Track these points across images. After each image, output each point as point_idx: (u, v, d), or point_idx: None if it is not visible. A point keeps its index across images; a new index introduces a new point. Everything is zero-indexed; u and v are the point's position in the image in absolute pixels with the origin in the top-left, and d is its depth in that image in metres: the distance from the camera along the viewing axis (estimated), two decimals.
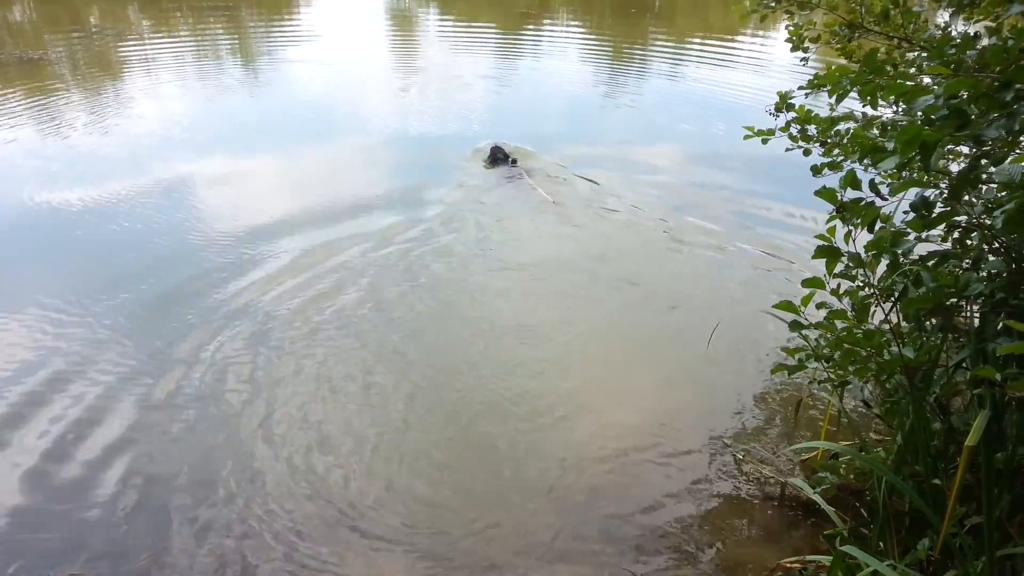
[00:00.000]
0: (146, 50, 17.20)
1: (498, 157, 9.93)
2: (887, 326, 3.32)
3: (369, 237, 7.58)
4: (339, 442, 4.81)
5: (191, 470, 4.56)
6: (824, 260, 3.00)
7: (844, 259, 3.07)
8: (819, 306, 3.44)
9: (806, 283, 3.10)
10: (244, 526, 4.17)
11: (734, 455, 4.75)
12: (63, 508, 4.29)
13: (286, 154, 10.30)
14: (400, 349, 5.79)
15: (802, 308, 3.21)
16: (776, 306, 3.28)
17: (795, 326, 3.23)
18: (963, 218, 3.02)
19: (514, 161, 9.95)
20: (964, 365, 3.28)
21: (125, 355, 5.62)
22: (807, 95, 4.00)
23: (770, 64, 16.93)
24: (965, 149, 3.20)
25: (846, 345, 3.30)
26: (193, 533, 4.13)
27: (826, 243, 2.97)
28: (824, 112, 3.92)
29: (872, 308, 3.25)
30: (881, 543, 3.39)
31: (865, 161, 3.49)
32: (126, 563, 3.94)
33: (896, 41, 4.13)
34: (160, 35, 19.55)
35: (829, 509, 3.68)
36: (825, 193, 2.95)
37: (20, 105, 12.01)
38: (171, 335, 5.86)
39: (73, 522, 4.19)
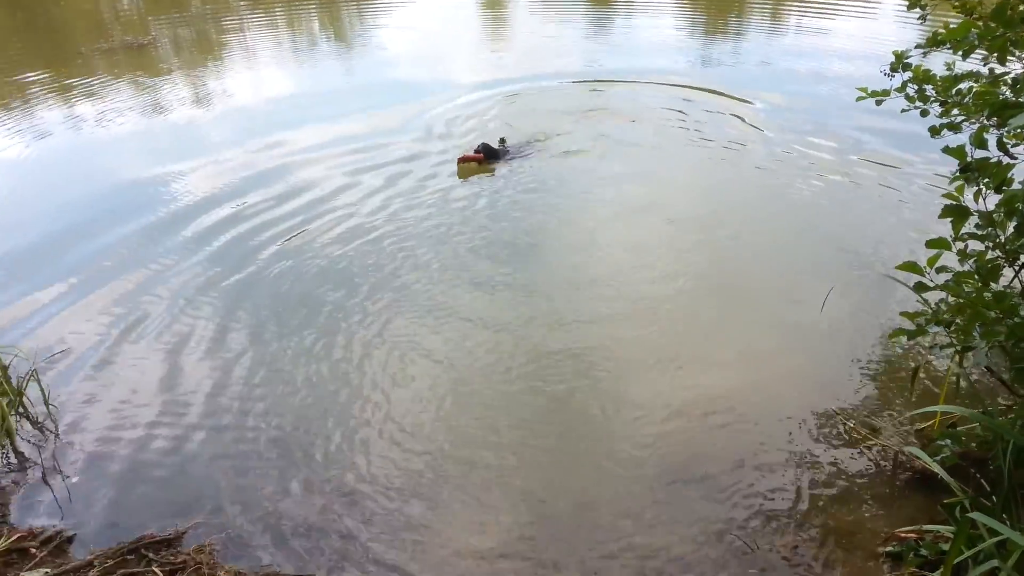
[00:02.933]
0: (244, 27, 17.78)
1: (493, 152, 8.86)
2: (1017, 288, 3.19)
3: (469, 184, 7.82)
4: (439, 398, 4.96)
5: (304, 424, 4.80)
6: (950, 220, 2.91)
7: (972, 219, 2.96)
8: (940, 270, 3.33)
9: (931, 244, 3.00)
10: (350, 476, 4.37)
11: (845, 423, 4.65)
12: (181, 460, 4.59)
13: (385, 113, 10.63)
14: (499, 288, 6.01)
15: (927, 269, 3.11)
16: (899, 267, 3.19)
17: (920, 287, 3.14)
18: None
19: (502, 140, 9.23)
20: None
21: (253, 316, 5.94)
22: (924, 54, 3.85)
23: (877, 13, 16.30)
24: None
25: (973, 308, 3.18)
26: (302, 481, 4.38)
27: (954, 202, 2.87)
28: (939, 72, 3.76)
29: (1001, 270, 3.12)
30: (1005, 515, 3.28)
31: (988, 121, 3.35)
32: (247, 511, 4.20)
33: None
34: (257, 13, 20.16)
35: (949, 478, 3.57)
36: (954, 151, 2.85)
37: (128, 87, 12.63)
38: (290, 298, 6.15)
39: (193, 474, 4.48)
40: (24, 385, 4.90)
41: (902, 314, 3.58)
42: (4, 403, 4.70)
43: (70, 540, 3.98)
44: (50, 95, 12.24)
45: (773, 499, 4.15)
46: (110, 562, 3.69)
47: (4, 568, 3.69)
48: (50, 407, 4.93)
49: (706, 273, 6.40)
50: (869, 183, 8.05)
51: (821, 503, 4.12)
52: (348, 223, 7.44)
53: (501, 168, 8.71)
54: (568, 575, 3.77)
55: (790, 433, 4.63)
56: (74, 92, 12.39)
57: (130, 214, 7.80)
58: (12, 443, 4.68)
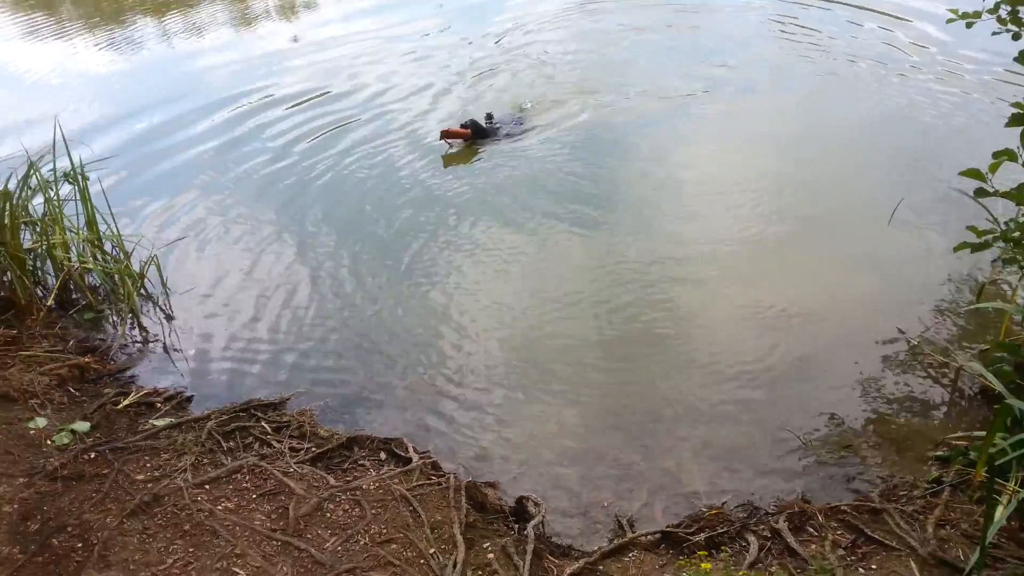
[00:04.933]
0: None
1: (481, 129, 7.62)
2: None
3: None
4: (522, 309, 5.31)
5: (395, 318, 5.25)
6: (1020, 129, 2.99)
7: None
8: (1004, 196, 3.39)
9: (997, 155, 3.09)
10: (436, 367, 4.79)
11: (908, 340, 4.77)
12: (283, 341, 5.11)
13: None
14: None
15: (989, 175, 3.21)
16: (963, 173, 3.29)
17: (980, 193, 3.24)
18: None
19: (489, 116, 7.96)
20: None
21: (347, 220, 6.40)
22: None
23: None
24: None
25: None
26: (391, 366, 4.85)
27: (1021, 111, 2.96)
28: None
29: None
30: None
31: None
32: (341, 387, 4.68)
33: None
34: None
35: (1003, 389, 3.70)
36: None
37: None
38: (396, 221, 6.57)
39: (294, 353, 5.00)
40: (145, 269, 5.45)
41: (968, 228, 3.68)
42: (129, 283, 5.27)
43: (189, 399, 4.51)
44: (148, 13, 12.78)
45: (834, 409, 4.33)
46: (225, 416, 4.19)
47: (136, 416, 4.24)
48: (167, 289, 5.48)
49: (786, 192, 6.49)
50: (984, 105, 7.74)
51: (879, 414, 4.30)
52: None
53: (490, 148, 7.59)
54: (636, 459, 4.11)
55: (856, 349, 4.76)
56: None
57: (238, 119, 8.33)
58: (136, 319, 5.24)
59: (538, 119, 8.08)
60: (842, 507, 3.54)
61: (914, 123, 7.43)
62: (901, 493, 3.62)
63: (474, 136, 7.51)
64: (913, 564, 3.15)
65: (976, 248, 3.58)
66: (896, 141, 7.14)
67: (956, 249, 3.72)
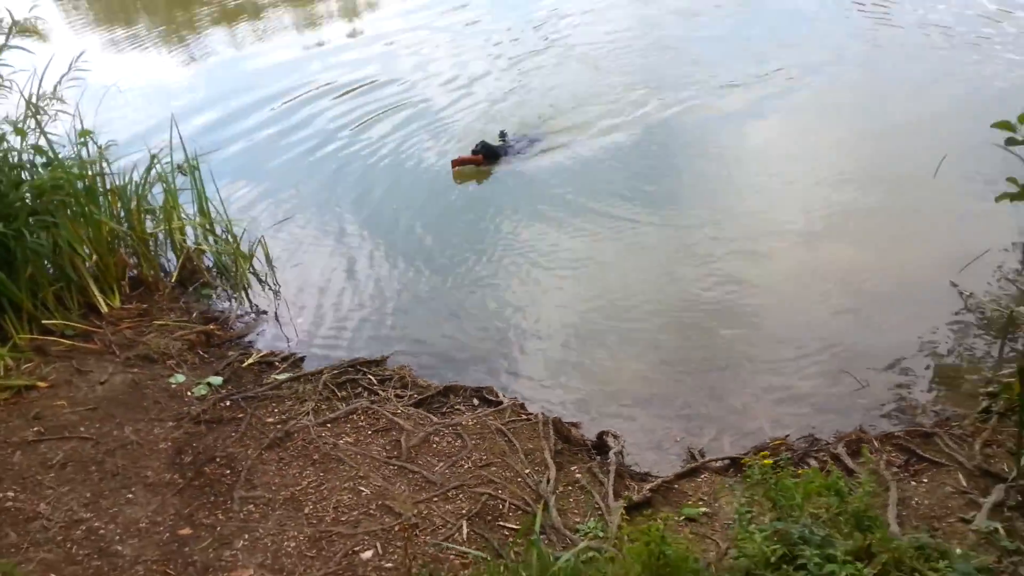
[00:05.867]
0: None
1: (493, 151, 7.43)
2: None
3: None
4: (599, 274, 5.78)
5: (479, 285, 5.78)
6: None
7: None
8: None
9: None
10: (516, 327, 5.28)
11: (960, 290, 5.05)
12: (380, 309, 5.69)
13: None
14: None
15: (1018, 125, 3.50)
16: (994, 125, 3.60)
17: (1011, 142, 3.54)
18: None
19: (502, 135, 7.79)
20: None
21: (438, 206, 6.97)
22: None
23: None
24: None
25: None
26: (478, 326, 5.37)
27: None
28: None
29: None
30: None
31: None
32: (435, 345, 5.22)
33: None
34: None
35: None
36: None
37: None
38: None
39: (390, 319, 5.57)
40: (253, 249, 6.07)
41: (1008, 179, 3.97)
42: (241, 262, 5.91)
43: (301, 359, 5.09)
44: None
45: (891, 354, 4.65)
46: (336, 371, 4.75)
47: (259, 373, 4.84)
48: (272, 266, 6.10)
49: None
50: None
51: (933, 357, 4.62)
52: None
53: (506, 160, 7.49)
54: (704, 402, 4.53)
55: (912, 300, 5.09)
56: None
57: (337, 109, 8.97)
58: (247, 294, 5.87)
59: (594, 119, 8.05)
60: (896, 433, 3.90)
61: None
62: (952, 423, 3.96)
63: (486, 160, 7.33)
64: (961, 476, 3.50)
65: (1015, 198, 3.87)
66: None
67: (998, 199, 4.01)
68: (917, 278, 5.28)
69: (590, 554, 2.90)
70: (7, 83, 5.15)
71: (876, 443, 3.86)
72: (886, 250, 5.55)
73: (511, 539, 3.30)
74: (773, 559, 2.47)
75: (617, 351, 5.00)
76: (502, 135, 7.80)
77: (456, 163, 7.31)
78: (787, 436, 4.13)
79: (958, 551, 2.54)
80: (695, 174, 6.95)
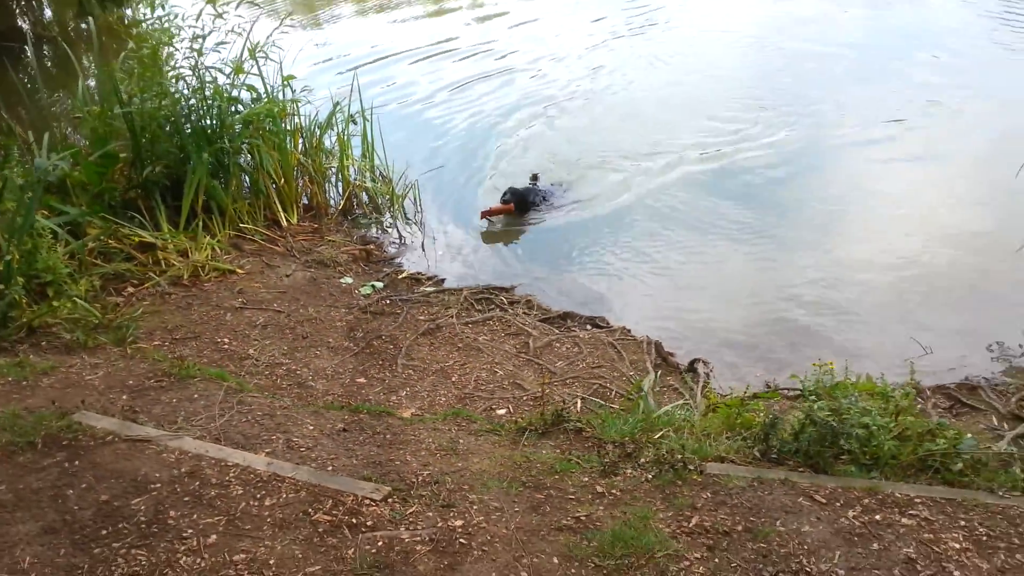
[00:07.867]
0: None
1: (528, 200, 7.00)
2: None
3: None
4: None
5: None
6: None
7: None
8: None
9: None
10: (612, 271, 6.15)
11: None
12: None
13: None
14: None
15: None
16: None
17: None
18: None
19: (534, 178, 7.48)
20: None
21: None
22: None
23: None
24: None
25: None
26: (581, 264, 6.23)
27: None
28: None
29: None
30: None
31: None
32: (550, 281, 6.12)
33: None
34: None
35: None
36: None
37: None
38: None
39: (515, 252, 6.47)
40: (407, 191, 7.14)
41: None
42: (396, 199, 6.99)
43: (442, 281, 6.10)
44: None
45: (952, 328, 5.29)
46: (473, 291, 5.74)
47: (411, 285, 5.87)
48: (420, 206, 7.14)
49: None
50: None
51: (992, 333, 5.23)
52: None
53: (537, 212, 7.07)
54: (784, 352, 5.28)
55: (975, 282, 5.74)
56: None
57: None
58: (398, 229, 6.92)
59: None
60: (947, 385, 4.59)
61: None
62: (996, 382, 4.62)
63: (517, 210, 6.90)
64: (994, 418, 4.19)
65: None
66: None
67: None
68: (980, 260, 5.94)
69: (684, 412, 3.76)
70: (238, 31, 6.39)
71: (928, 392, 4.55)
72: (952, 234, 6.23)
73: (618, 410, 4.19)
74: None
75: (713, 305, 5.79)
76: (534, 178, 7.49)
77: (485, 214, 6.91)
78: None
79: (968, 435, 3.28)
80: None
